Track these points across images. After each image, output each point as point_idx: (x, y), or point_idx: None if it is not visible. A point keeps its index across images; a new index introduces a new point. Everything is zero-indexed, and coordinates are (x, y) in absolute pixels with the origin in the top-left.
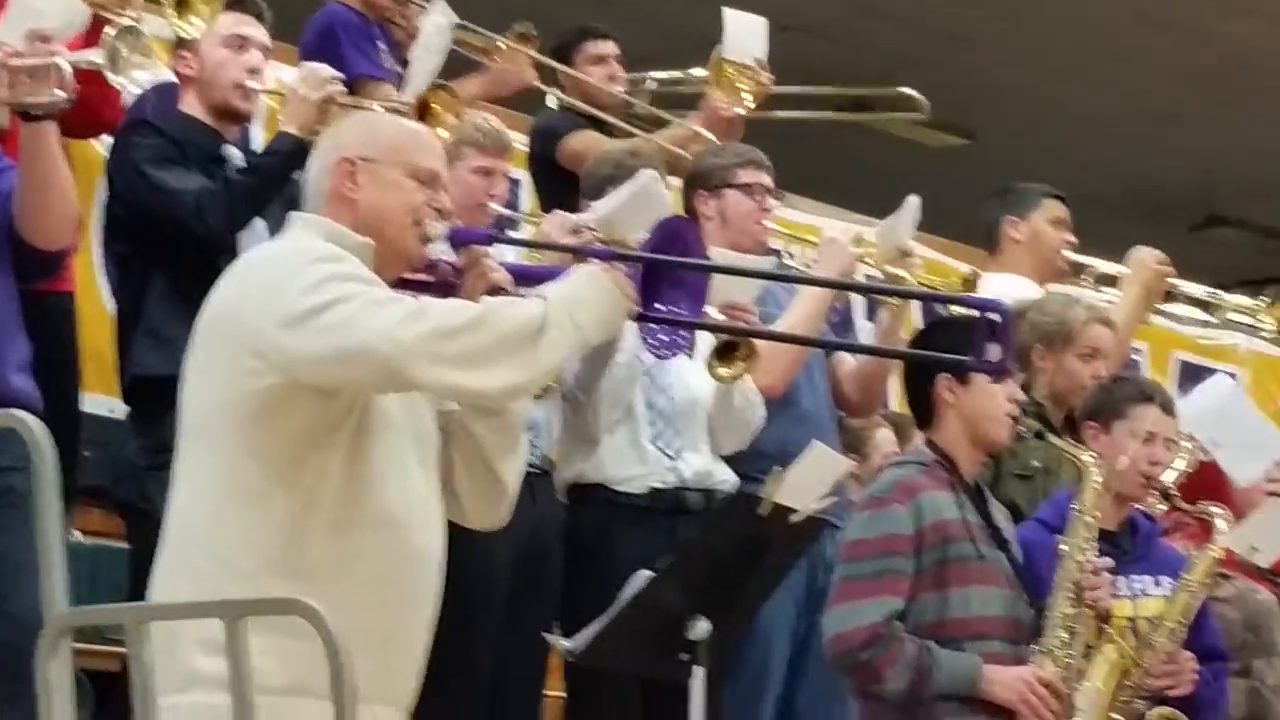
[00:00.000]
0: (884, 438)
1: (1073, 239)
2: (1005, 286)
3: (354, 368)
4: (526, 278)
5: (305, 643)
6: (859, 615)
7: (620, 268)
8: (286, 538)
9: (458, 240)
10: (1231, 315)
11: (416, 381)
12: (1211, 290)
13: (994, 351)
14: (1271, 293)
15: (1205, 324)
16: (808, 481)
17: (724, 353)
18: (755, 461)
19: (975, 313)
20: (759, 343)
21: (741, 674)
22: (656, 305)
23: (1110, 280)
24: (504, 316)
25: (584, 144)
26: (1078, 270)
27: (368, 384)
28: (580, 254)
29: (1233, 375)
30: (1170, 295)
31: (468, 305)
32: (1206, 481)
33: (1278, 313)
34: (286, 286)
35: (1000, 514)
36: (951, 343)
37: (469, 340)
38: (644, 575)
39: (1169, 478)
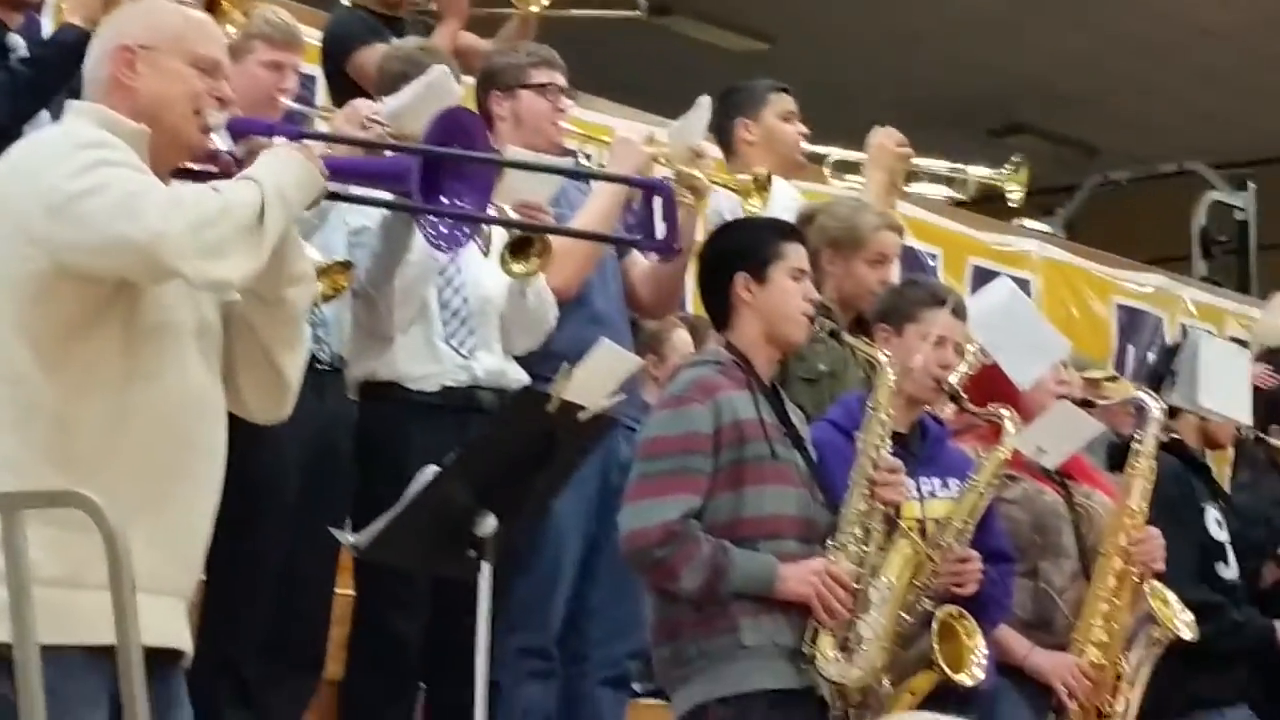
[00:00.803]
0: (680, 339)
1: (805, 130)
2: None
3: (114, 258)
4: (339, 172)
5: (81, 534)
6: (655, 513)
7: (310, 144)
8: (57, 427)
9: (238, 130)
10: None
11: (176, 272)
12: (954, 166)
13: (661, 229)
14: (1015, 162)
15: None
16: (596, 379)
17: (518, 249)
18: (548, 362)
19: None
20: (553, 243)
21: (533, 573)
22: (440, 198)
23: (851, 167)
24: (237, 203)
25: (371, 59)
26: (817, 160)
27: (129, 274)
28: (368, 146)
29: (1026, 281)
30: (914, 175)
31: (209, 193)
32: (996, 384)
33: (1022, 178)
34: (50, 172)
35: (795, 414)
36: (745, 240)
37: (219, 230)
38: (430, 471)
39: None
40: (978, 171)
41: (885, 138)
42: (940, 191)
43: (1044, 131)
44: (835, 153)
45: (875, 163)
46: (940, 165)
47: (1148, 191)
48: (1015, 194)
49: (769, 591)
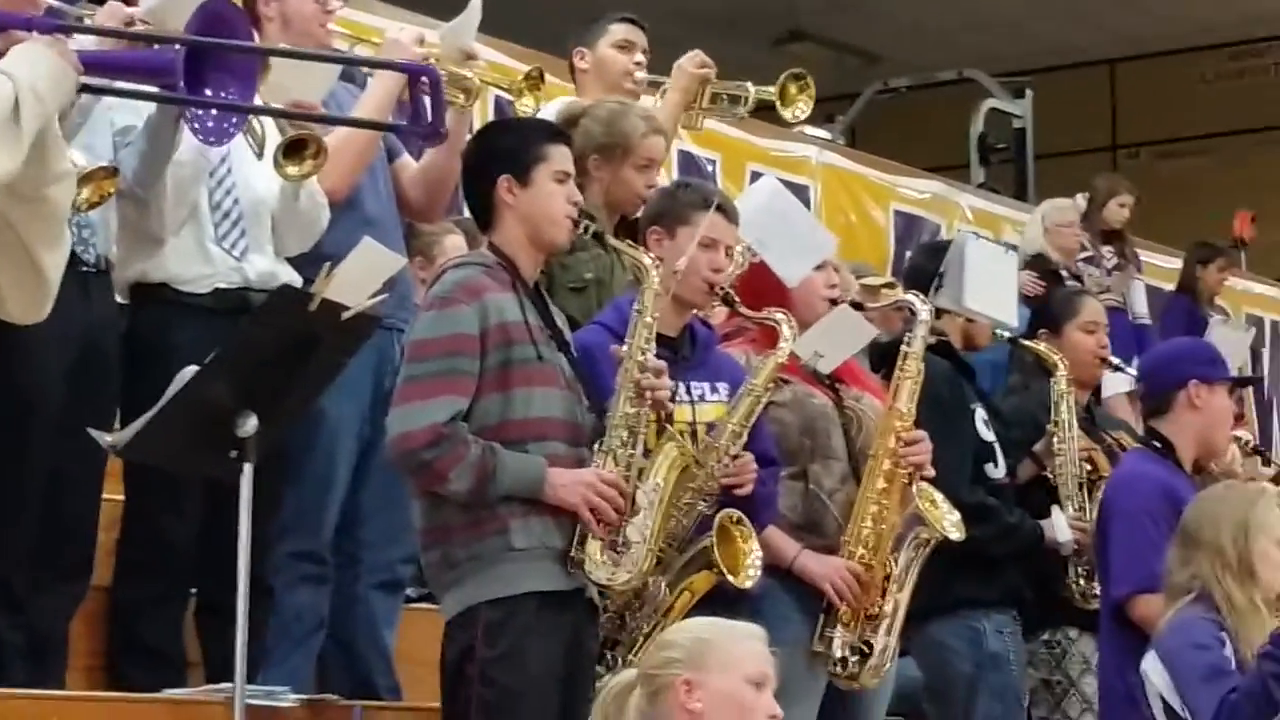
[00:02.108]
0: (453, 244)
1: (641, 59)
2: None
3: None
4: (101, 65)
5: None
6: (422, 415)
7: (62, 39)
8: None
9: None
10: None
11: None
12: (739, 83)
13: (428, 116)
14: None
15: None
16: (359, 278)
17: (291, 151)
18: (320, 265)
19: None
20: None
21: (306, 478)
22: (205, 90)
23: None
24: None
25: None
26: (656, 87)
27: None
28: (125, 37)
29: (805, 188)
30: (716, 97)
31: None
32: (765, 284)
33: (806, 96)
34: None
35: (560, 317)
36: (509, 142)
37: None
38: (190, 370)
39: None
40: (760, 90)
41: (687, 60)
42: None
43: (825, 39)
44: (660, 80)
45: (674, 84)
46: (731, 86)
47: (927, 99)
48: (801, 111)
49: (538, 495)
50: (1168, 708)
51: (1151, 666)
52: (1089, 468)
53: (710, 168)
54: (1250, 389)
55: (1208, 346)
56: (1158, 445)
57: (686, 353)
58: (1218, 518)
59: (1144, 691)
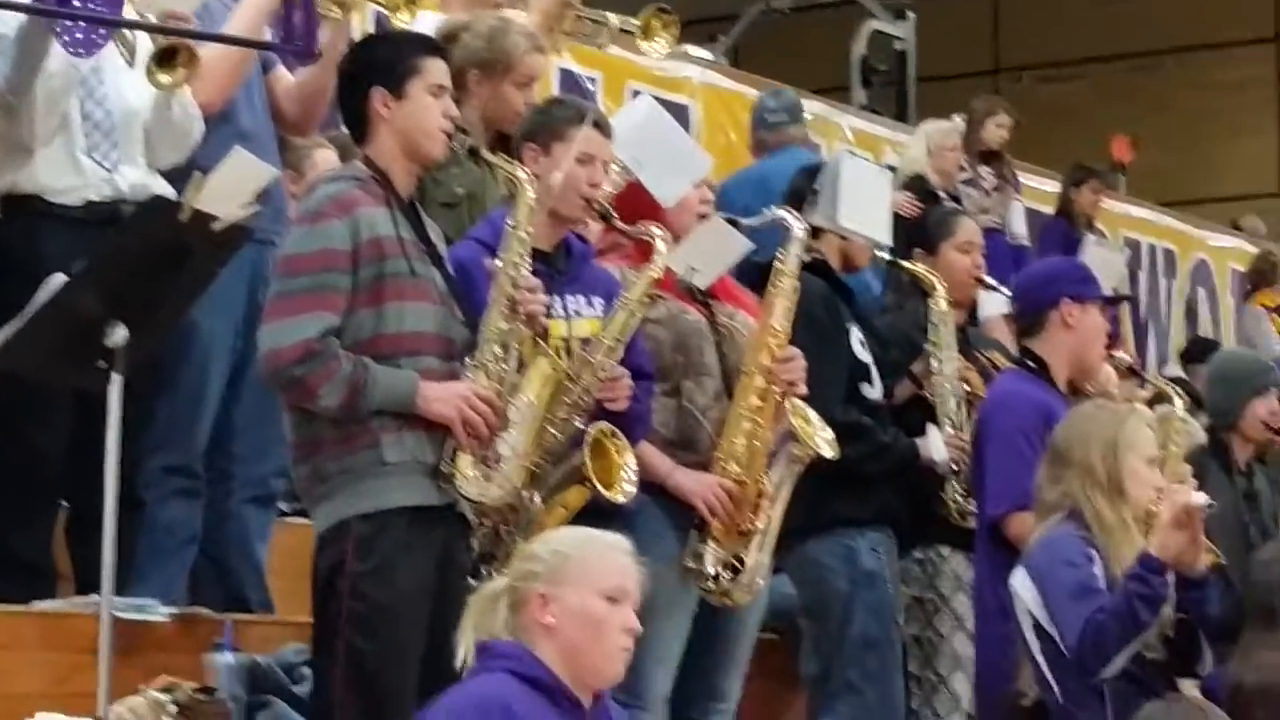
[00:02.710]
0: (324, 158)
1: None
2: None
3: None
4: None
5: None
6: (293, 331)
7: None
8: None
9: None
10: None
11: None
12: (600, 13)
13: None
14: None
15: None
16: (230, 189)
17: (164, 60)
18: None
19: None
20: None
21: (178, 391)
22: (73, 1)
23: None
24: None
25: None
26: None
27: None
28: None
29: (686, 107)
30: (579, 21)
31: None
32: (641, 202)
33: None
34: None
35: (434, 231)
36: (384, 55)
37: None
38: (58, 279)
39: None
40: (618, 20)
41: None
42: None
43: None
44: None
45: (534, 3)
46: (598, 14)
47: (810, 20)
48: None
49: (410, 409)
50: (1036, 624)
51: (1021, 583)
52: (966, 388)
53: (591, 86)
54: (1126, 309)
55: (1079, 265)
56: (1032, 365)
57: (562, 267)
58: (1088, 436)
59: (1014, 608)
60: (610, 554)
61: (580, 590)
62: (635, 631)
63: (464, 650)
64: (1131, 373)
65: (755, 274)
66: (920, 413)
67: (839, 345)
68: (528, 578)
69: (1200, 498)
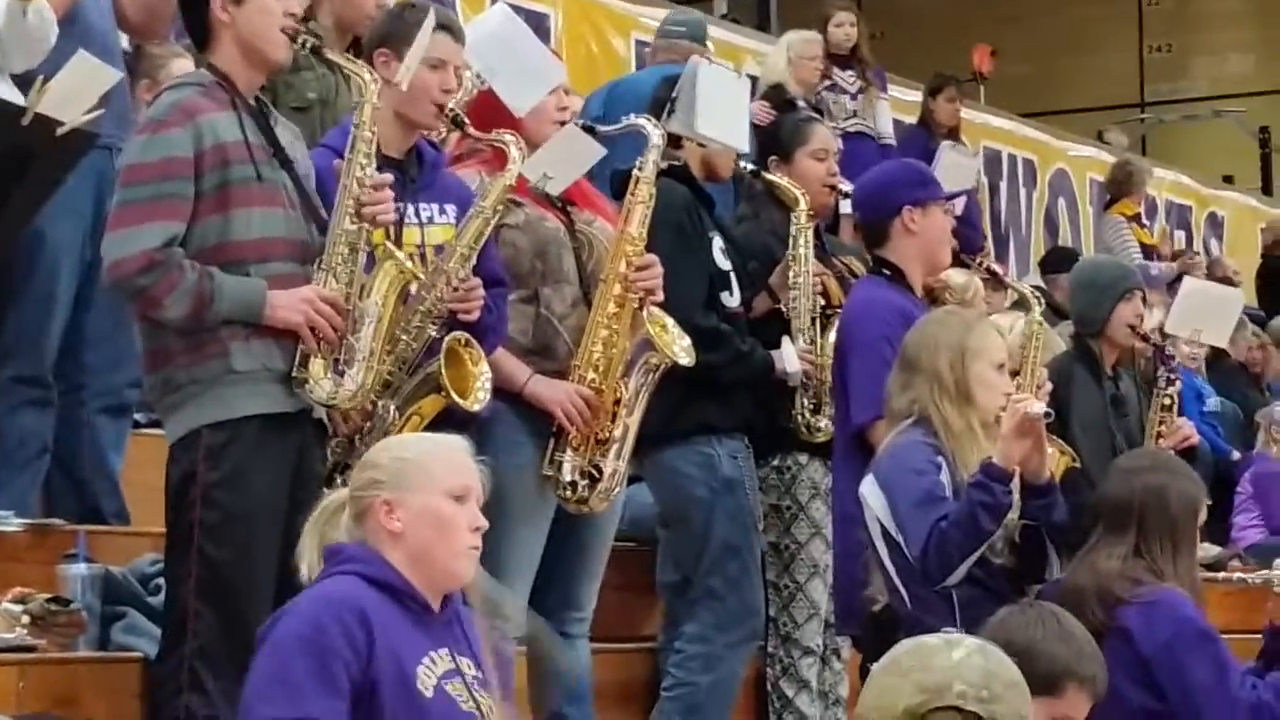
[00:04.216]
0: (180, 67)
1: None
2: None
3: None
4: None
5: None
6: (136, 241)
7: None
8: None
9: None
10: None
11: None
12: None
13: None
14: None
15: None
16: (74, 93)
17: None
18: None
19: None
20: None
21: (27, 301)
22: None
23: None
24: None
25: None
26: None
27: None
28: None
29: (546, 16)
30: None
31: None
32: (496, 110)
33: None
34: None
35: (289, 134)
36: None
37: None
38: None
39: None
40: None
41: None
42: None
43: None
44: None
45: None
46: None
47: None
48: None
49: (258, 318)
50: (885, 531)
51: (870, 490)
52: (823, 302)
53: None
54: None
55: (915, 168)
56: (886, 272)
57: (414, 174)
58: (936, 342)
59: (864, 515)
60: (451, 455)
61: (425, 493)
62: (482, 529)
63: (306, 566)
64: (997, 280)
65: (615, 182)
66: (777, 325)
67: (700, 253)
68: (370, 486)
69: (1039, 406)
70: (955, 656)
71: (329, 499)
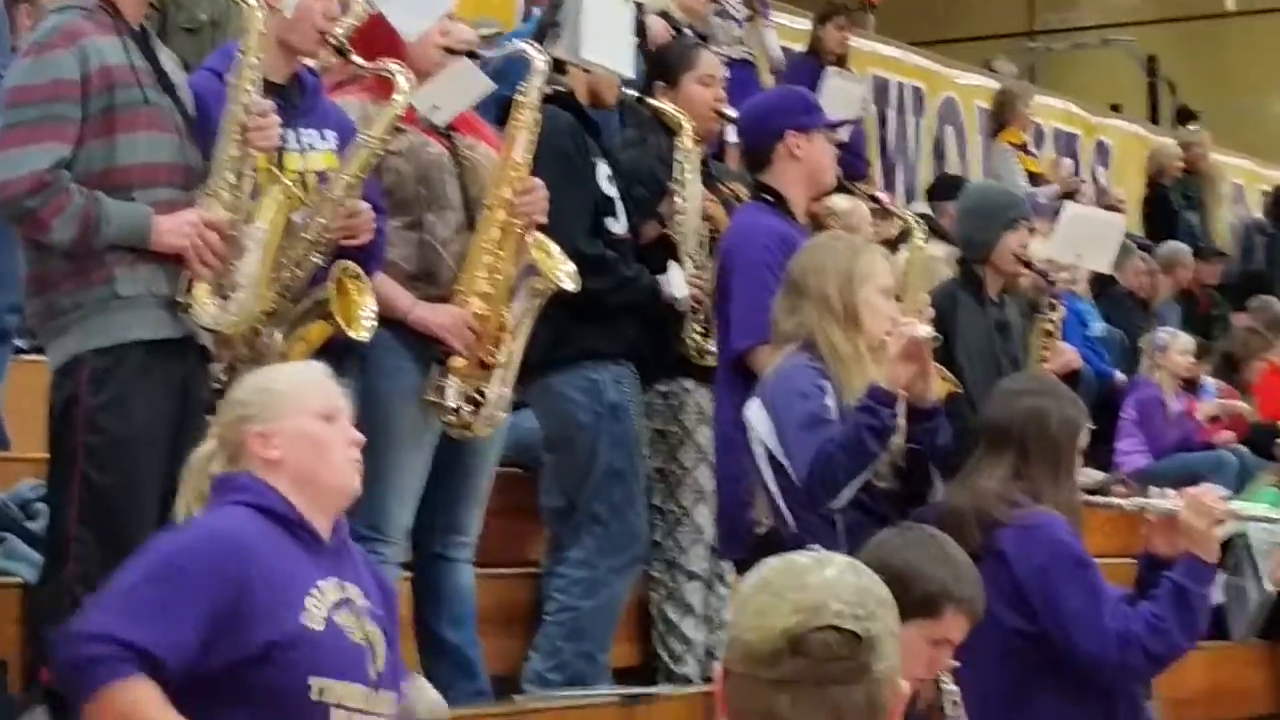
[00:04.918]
0: None
1: None
2: None
3: None
4: None
5: None
6: (23, 163)
7: None
8: None
9: None
10: None
11: None
12: None
13: None
14: None
15: None
16: (449, 93)
17: None
18: None
19: None
20: None
21: None
22: None
23: None
24: None
25: None
26: None
27: None
28: None
29: None
30: None
31: None
32: (381, 36)
33: None
34: None
35: (171, 60)
36: None
37: None
38: None
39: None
40: None
41: None
42: None
43: None
44: None
45: None
46: None
47: None
48: None
49: (144, 243)
50: (770, 455)
51: (754, 413)
52: (710, 227)
53: None
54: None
55: (799, 94)
56: (768, 198)
57: (295, 100)
58: (824, 267)
59: (748, 438)
60: (313, 377)
61: (295, 417)
62: (359, 442)
63: (182, 516)
64: (875, 202)
65: (498, 108)
66: (665, 251)
67: (584, 178)
68: (240, 421)
69: (926, 330)
70: (828, 574)
71: (196, 453)
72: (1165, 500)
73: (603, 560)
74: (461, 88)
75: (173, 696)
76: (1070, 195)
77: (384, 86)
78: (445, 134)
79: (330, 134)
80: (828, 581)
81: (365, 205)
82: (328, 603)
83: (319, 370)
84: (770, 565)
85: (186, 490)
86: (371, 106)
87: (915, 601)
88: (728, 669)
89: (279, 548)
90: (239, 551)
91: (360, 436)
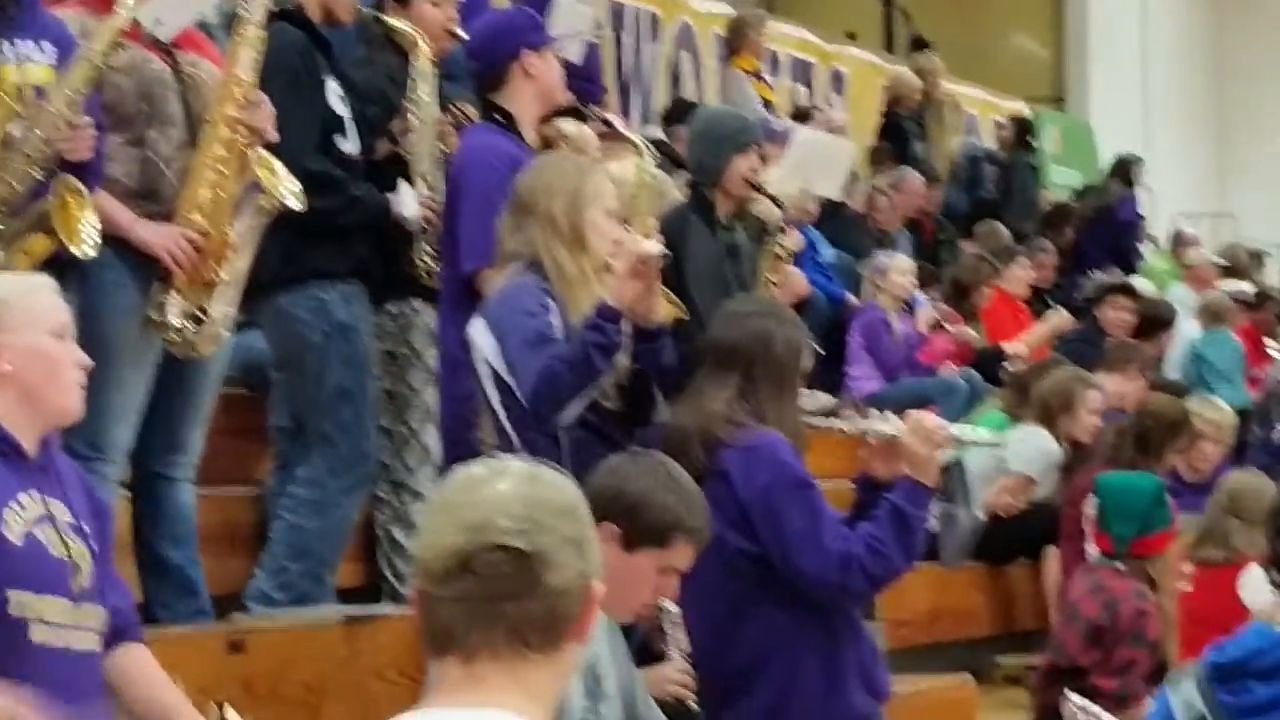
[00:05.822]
0: None
1: None
2: None
3: None
4: None
5: None
6: None
7: None
8: None
9: None
10: None
11: None
12: None
13: None
14: None
15: None
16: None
17: None
18: None
19: None
20: None
21: None
22: None
23: None
24: None
25: None
26: None
27: None
28: None
29: None
30: None
31: None
32: None
33: None
34: None
35: None
36: None
37: None
38: None
39: None
40: None
41: None
42: None
43: None
44: None
45: None
46: None
47: None
48: None
49: None
50: (495, 374)
51: (478, 332)
52: (443, 148)
53: None
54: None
55: (529, 13)
56: (500, 119)
57: (12, 12)
58: (551, 187)
59: (472, 358)
60: (46, 294)
61: (29, 332)
62: (86, 366)
63: None
64: (607, 125)
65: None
66: (398, 170)
67: (312, 96)
68: None
69: (654, 247)
70: (500, 488)
71: None
72: (887, 424)
73: (332, 480)
74: (182, 3)
75: None
76: (803, 119)
77: (102, 2)
78: (167, 50)
79: (48, 46)
80: (499, 495)
81: (87, 120)
82: (27, 517)
83: (48, 285)
84: (452, 479)
85: None
86: (91, 20)
87: (646, 530)
88: (416, 587)
89: None
90: None
91: (87, 359)
